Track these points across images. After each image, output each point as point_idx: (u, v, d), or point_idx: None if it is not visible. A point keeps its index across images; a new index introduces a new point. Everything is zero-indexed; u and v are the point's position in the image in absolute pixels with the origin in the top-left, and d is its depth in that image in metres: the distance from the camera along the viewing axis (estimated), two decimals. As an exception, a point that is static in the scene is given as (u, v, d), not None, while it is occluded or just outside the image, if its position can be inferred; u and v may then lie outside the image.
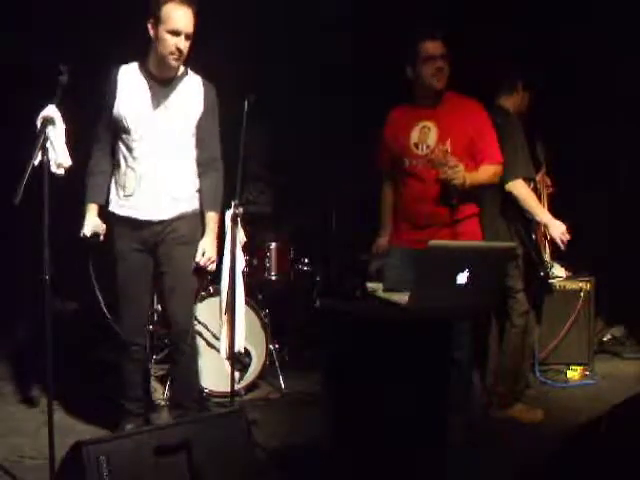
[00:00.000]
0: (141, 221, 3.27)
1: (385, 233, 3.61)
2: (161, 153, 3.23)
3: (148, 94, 3.22)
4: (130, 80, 3.24)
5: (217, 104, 3.37)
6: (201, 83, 3.32)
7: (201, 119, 3.30)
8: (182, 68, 3.29)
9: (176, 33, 3.09)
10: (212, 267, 3.39)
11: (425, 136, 3.39)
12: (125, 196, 3.27)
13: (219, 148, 3.41)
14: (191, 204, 3.35)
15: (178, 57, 3.14)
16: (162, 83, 3.24)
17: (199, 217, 3.40)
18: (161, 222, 3.28)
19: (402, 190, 3.50)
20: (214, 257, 3.38)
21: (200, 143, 3.34)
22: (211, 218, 3.37)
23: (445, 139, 3.36)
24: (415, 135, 3.41)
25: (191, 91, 3.29)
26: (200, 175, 3.37)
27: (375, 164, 3.66)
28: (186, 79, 3.30)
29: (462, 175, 3.24)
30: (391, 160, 3.53)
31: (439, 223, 3.37)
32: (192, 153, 3.34)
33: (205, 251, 3.33)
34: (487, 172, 3.41)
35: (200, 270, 3.37)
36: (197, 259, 3.32)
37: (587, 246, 4.19)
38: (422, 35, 3.38)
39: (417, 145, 3.41)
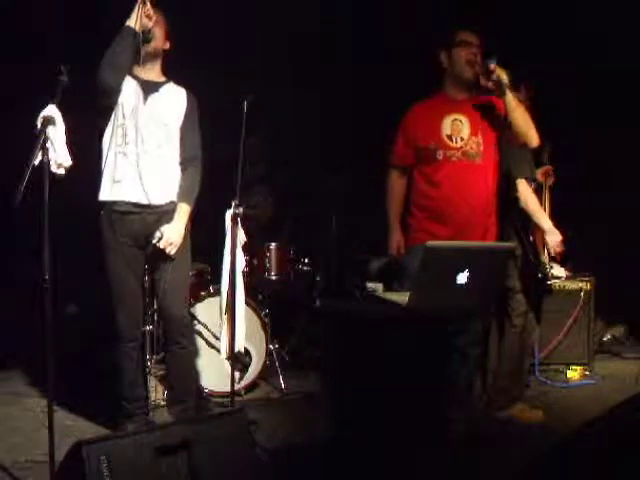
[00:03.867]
0: (131, 208, 3.27)
1: (398, 232, 3.57)
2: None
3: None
4: None
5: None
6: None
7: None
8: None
9: None
10: (170, 250, 3.27)
11: (458, 129, 3.39)
12: (116, 182, 3.28)
13: (199, 148, 3.44)
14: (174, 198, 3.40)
15: None
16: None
17: None
18: (150, 208, 3.29)
19: (433, 186, 3.42)
20: (174, 240, 3.29)
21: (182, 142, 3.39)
22: (182, 208, 3.35)
23: (477, 132, 3.39)
24: (447, 127, 3.40)
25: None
26: (181, 172, 3.40)
27: (392, 162, 3.59)
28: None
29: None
30: (417, 155, 3.48)
31: (474, 221, 3.37)
32: (175, 151, 3.37)
33: (164, 233, 3.27)
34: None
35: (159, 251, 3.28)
36: (154, 240, 3.27)
37: (587, 246, 4.18)
38: (459, 22, 3.43)
39: (450, 137, 3.40)
